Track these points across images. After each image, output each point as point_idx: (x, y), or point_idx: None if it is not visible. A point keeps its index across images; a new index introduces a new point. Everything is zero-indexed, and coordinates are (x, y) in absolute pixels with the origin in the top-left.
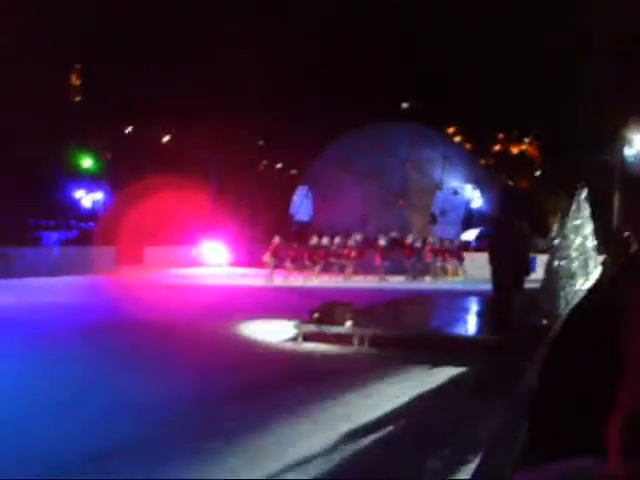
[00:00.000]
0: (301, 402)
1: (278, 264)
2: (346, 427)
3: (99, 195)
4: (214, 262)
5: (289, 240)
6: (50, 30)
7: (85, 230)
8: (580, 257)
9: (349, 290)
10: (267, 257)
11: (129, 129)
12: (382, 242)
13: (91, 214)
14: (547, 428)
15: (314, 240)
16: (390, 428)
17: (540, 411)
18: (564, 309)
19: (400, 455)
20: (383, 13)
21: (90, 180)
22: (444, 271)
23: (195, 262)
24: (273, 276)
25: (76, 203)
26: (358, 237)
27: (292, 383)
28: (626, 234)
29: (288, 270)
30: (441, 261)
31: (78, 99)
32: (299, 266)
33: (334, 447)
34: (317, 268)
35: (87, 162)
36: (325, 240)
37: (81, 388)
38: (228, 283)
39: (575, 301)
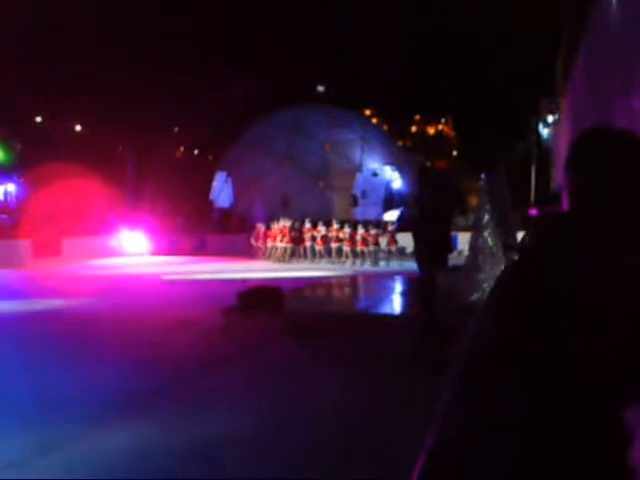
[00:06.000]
0: None
1: None
2: None
3: (11, 187)
4: (134, 251)
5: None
6: None
7: None
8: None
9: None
10: None
11: (39, 119)
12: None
13: (3, 206)
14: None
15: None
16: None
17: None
18: (489, 284)
19: None
20: None
21: (0, 172)
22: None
23: (114, 252)
24: None
25: None
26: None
27: None
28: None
29: None
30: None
31: None
32: None
33: None
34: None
35: None
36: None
37: None
38: (144, 272)
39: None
